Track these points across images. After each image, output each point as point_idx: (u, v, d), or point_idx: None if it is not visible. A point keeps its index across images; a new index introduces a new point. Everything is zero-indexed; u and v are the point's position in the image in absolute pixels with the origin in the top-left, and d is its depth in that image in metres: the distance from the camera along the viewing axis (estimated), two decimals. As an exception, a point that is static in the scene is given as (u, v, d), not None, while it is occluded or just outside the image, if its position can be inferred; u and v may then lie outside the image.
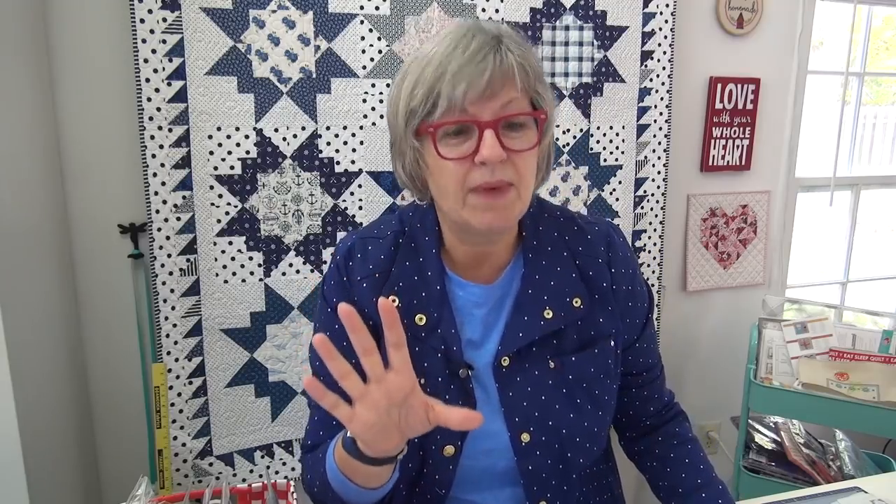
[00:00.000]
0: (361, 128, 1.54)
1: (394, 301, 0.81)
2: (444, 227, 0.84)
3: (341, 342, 0.78)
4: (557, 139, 1.72)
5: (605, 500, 0.95)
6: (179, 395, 1.50)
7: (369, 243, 0.85)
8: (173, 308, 1.47)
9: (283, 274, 1.54)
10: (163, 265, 1.44)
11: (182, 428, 1.52)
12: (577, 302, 0.84)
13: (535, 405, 0.82)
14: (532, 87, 0.74)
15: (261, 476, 1.59)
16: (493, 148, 0.70)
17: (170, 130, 1.40)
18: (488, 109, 0.71)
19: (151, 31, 1.36)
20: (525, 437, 0.82)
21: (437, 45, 0.73)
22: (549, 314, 0.82)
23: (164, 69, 1.38)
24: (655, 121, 1.80)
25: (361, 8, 1.50)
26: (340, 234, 1.57)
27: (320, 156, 1.53)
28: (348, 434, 0.71)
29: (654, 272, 1.89)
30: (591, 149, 1.76)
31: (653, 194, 1.85)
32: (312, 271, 1.56)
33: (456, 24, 0.76)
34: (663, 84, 1.79)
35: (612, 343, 0.87)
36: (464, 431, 0.81)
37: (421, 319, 0.81)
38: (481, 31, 0.73)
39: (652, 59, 1.77)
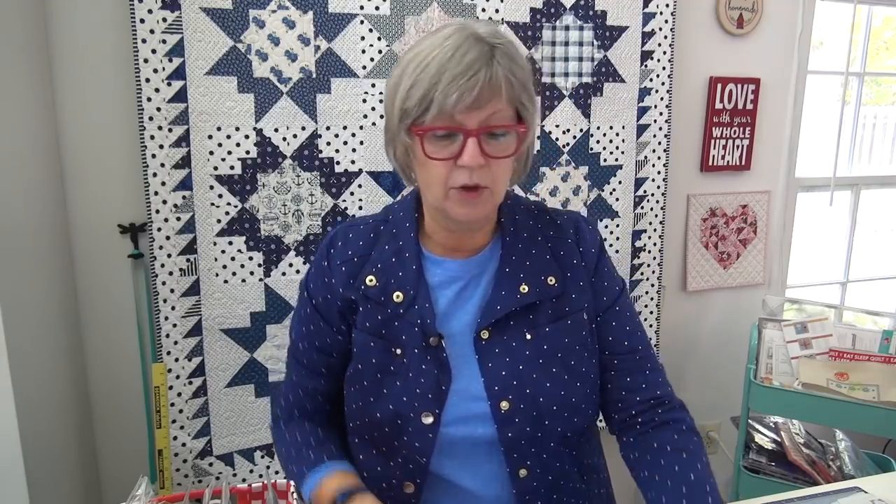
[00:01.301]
0: (361, 128, 1.54)
1: (371, 281, 0.89)
2: (427, 213, 0.91)
3: (315, 322, 0.93)
4: (557, 139, 1.72)
5: (593, 479, 0.96)
6: (179, 395, 1.50)
7: (350, 231, 0.94)
8: (173, 308, 1.46)
9: (283, 274, 1.54)
10: (163, 265, 1.44)
11: (182, 428, 1.52)
12: (551, 280, 0.91)
13: (513, 375, 0.87)
14: (517, 99, 0.81)
15: (261, 476, 1.59)
16: (473, 156, 0.78)
17: (170, 130, 1.40)
18: (474, 118, 0.77)
19: (151, 31, 1.36)
20: (504, 406, 0.86)
21: (437, 47, 0.78)
22: (524, 289, 0.89)
23: (164, 69, 1.38)
24: (655, 121, 1.80)
25: (361, 8, 1.50)
26: (340, 234, 1.57)
27: (320, 156, 1.53)
28: None
29: (654, 272, 1.89)
30: (591, 149, 1.76)
31: (653, 194, 1.85)
32: (312, 271, 1.56)
33: (456, 26, 0.81)
34: (663, 84, 1.79)
35: (585, 316, 0.92)
36: (441, 400, 0.86)
37: (398, 297, 0.88)
38: (479, 40, 0.78)
39: (652, 59, 1.76)
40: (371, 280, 0.89)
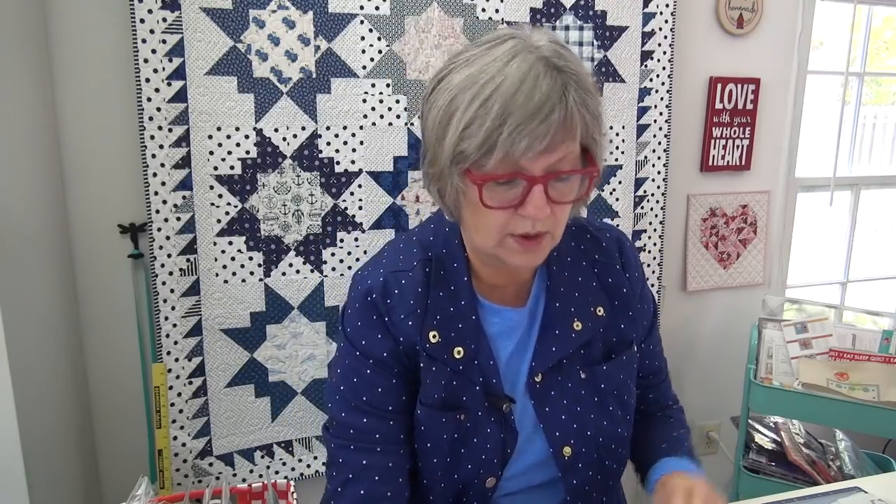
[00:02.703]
0: (361, 128, 1.54)
1: (434, 337, 0.79)
2: (470, 251, 0.83)
3: (373, 388, 0.80)
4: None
5: (617, 499, 0.96)
6: (179, 395, 1.50)
7: (401, 277, 0.81)
8: (173, 308, 1.46)
9: (283, 274, 1.54)
10: (163, 265, 1.44)
11: (182, 428, 1.52)
12: (599, 311, 0.85)
13: (572, 417, 0.82)
14: (590, 136, 0.71)
15: (261, 476, 1.59)
16: (539, 208, 0.68)
17: (170, 130, 1.40)
18: (541, 164, 0.67)
19: (151, 31, 1.36)
20: (567, 451, 0.82)
21: (498, 73, 0.66)
22: (578, 326, 0.83)
23: (164, 69, 1.38)
24: (655, 121, 1.80)
25: (361, 8, 1.50)
26: (340, 234, 1.57)
27: (320, 156, 1.53)
28: None
29: (654, 272, 1.89)
30: (591, 149, 1.75)
31: (653, 194, 1.85)
32: (312, 271, 1.56)
33: (516, 44, 0.68)
34: (663, 84, 1.79)
35: (635, 347, 0.88)
36: (504, 461, 0.81)
37: (459, 352, 0.79)
38: (548, 66, 0.66)
39: (652, 59, 1.76)
40: (434, 336, 0.78)
